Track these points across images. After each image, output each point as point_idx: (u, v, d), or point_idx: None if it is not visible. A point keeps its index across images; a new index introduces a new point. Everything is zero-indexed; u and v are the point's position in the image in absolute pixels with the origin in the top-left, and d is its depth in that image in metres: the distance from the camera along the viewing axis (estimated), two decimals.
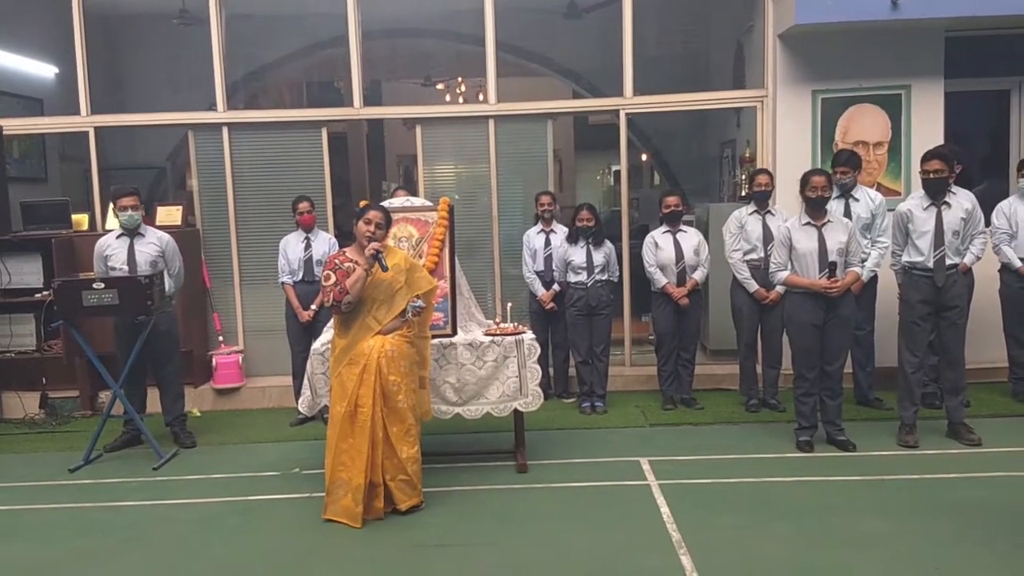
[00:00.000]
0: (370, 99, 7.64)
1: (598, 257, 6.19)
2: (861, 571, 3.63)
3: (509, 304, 5.48)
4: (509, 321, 5.13)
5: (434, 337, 4.74)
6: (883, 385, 5.98)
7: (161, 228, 6.02)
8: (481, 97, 7.51)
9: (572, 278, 6.23)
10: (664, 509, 4.33)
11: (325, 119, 7.23)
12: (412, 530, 4.20)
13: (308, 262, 6.29)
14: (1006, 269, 6.06)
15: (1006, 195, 6.32)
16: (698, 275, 6.15)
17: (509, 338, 4.92)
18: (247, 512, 4.57)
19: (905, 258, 5.27)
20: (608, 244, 6.32)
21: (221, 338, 7.10)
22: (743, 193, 6.90)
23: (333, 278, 4.25)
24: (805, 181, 5.14)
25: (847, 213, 5.73)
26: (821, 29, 6.23)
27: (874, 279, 5.87)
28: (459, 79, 11.16)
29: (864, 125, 6.56)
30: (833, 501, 4.40)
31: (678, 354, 6.28)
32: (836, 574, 3.62)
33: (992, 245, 5.98)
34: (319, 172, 7.08)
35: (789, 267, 5.18)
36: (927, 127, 6.47)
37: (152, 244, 5.65)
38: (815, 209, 5.12)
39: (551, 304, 6.44)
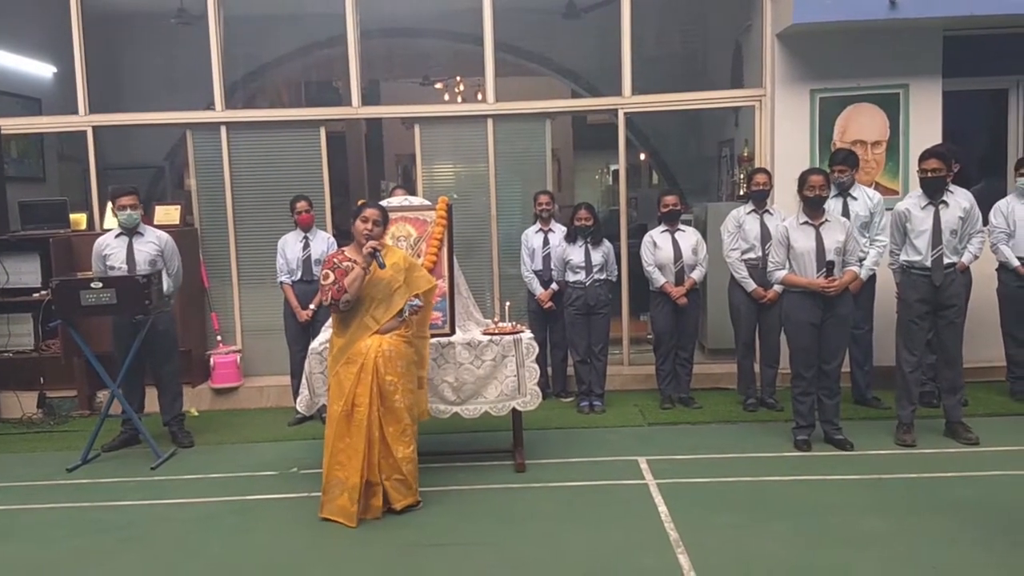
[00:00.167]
0: (368, 98, 7.64)
1: (596, 256, 6.19)
2: (859, 570, 3.63)
3: (507, 303, 5.48)
4: (507, 320, 5.13)
5: (432, 336, 4.74)
6: (881, 384, 5.98)
7: (159, 227, 6.02)
8: (479, 96, 7.51)
9: (570, 277, 6.23)
10: (662, 508, 4.34)
11: (323, 118, 7.23)
12: (410, 529, 4.20)
13: (307, 261, 6.29)
14: (1004, 268, 6.06)
15: (1004, 194, 6.32)
16: (696, 274, 6.16)
17: (507, 337, 4.92)
18: (245, 512, 4.57)
19: (903, 257, 5.28)
20: (606, 243, 6.32)
21: (219, 338, 7.10)
22: (741, 192, 6.91)
23: (332, 277, 4.26)
24: (803, 180, 5.15)
25: (845, 212, 5.73)
26: (819, 28, 6.23)
27: (872, 278, 5.88)
28: (457, 78, 11.15)
29: (862, 124, 6.57)
30: (831, 500, 4.40)
31: (676, 353, 6.28)
32: (834, 573, 3.63)
33: (990, 244, 5.99)
34: (317, 171, 7.08)
35: (787, 266, 5.18)
36: (925, 126, 6.48)
37: (151, 243, 5.65)
38: (813, 208, 5.13)
39: (549, 303, 6.44)
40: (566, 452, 5.32)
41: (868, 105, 6.56)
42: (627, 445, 5.43)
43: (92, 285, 5.27)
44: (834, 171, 5.77)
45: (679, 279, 6.12)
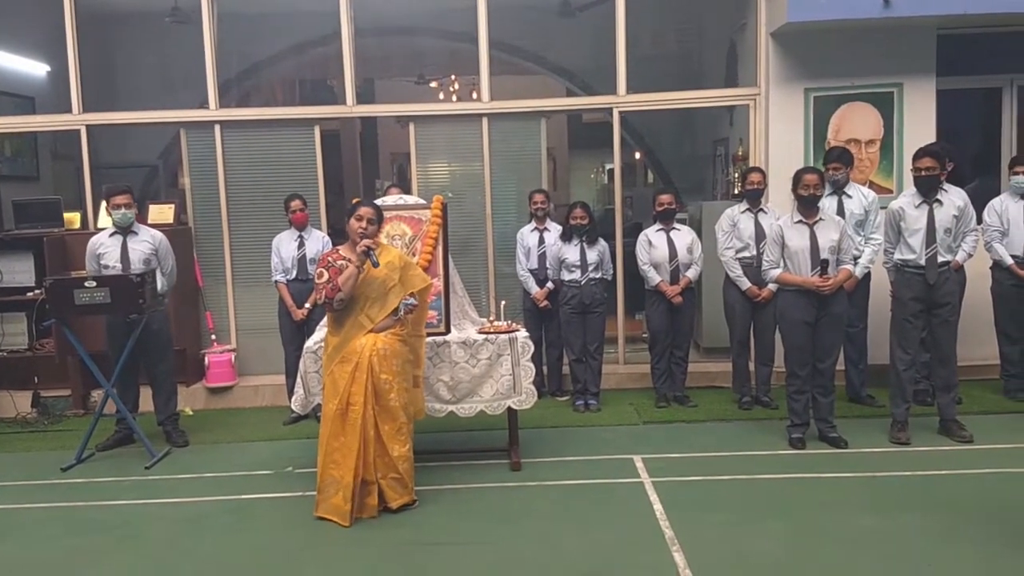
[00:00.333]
0: (363, 97, 7.64)
1: (592, 255, 6.19)
2: (853, 567, 3.64)
3: (503, 302, 5.48)
4: (503, 319, 5.13)
5: (428, 335, 4.74)
6: (875, 382, 5.99)
7: (153, 226, 6.01)
8: (475, 95, 7.50)
9: (566, 276, 6.23)
10: (657, 506, 4.34)
11: (318, 117, 7.22)
12: (405, 528, 4.20)
13: (301, 260, 6.28)
14: (998, 266, 6.08)
15: (998, 193, 6.33)
16: (691, 273, 6.16)
17: (503, 336, 4.92)
18: (240, 511, 4.56)
19: (897, 256, 5.29)
20: (602, 242, 6.32)
21: (214, 337, 7.09)
22: (736, 191, 6.92)
23: (326, 276, 4.25)
24: (797, 179, 5.16)
25: (840, 210, 5.74)
26: (814, 27, 6.24)
27: (867, 277, 5.88)
28: (452, 77, 11.16)
29: (856, 123, 6.58)
30: (825, 498, 4.42)
31: (671, 352, 6.29)
32: (829, 571, 3.63)
33: (984, 242, 6.01)
34: (312, 170, 7.06)
35: (781, 265, 5.19)
36: (919, 125, 6.49)
37: (145, 242, 5.64)
38: (807, 207, 5.13)
39: (545, 302, 6.44)
40: (562, 451, 5.32)
41: (862, 104, 6.57)
42: (622, 444, 5.44)
43: (86, 284, 5.26)
44: (829, 168, 5.78)
45: (674, 278, 6.12)
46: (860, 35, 6.38)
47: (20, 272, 6.65)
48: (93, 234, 5.89)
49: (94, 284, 5.25)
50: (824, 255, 5.03)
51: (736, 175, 7.02)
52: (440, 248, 4.98)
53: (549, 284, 6.44)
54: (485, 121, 7.01)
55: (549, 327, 6.56)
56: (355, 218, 4.31)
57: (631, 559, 3.78)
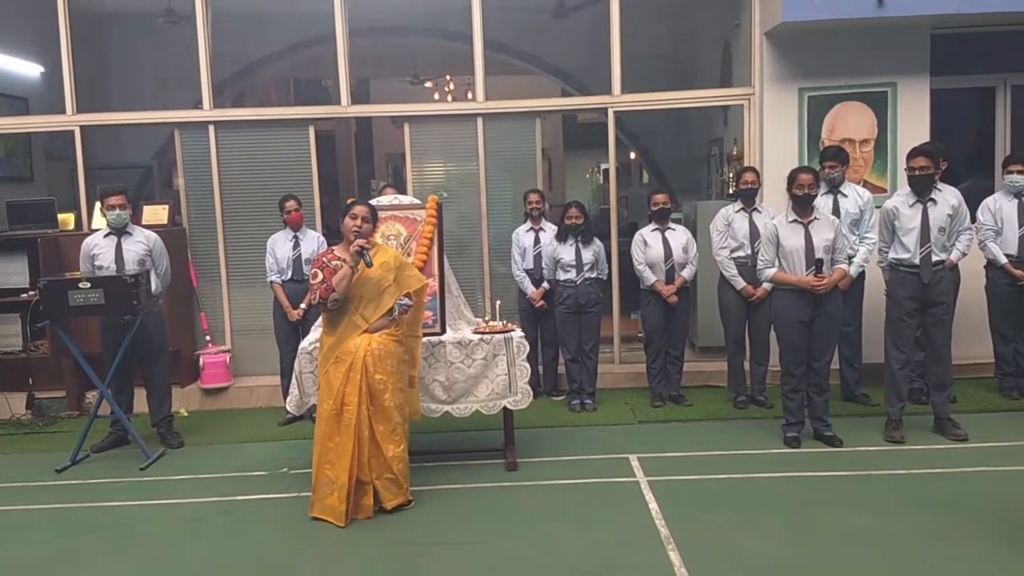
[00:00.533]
0: (358, 97, 7.63)
1: (587, 255, 6.20)
2: (848, 566, 3.64)
3: (498, 302, 5.48)
4: (498, 319, 5.13)
5: (424, 335, 4.73)
6: (870, 381, 6.00)
7: (147, 227, 5.99)
8: (469, 95, 7.50)
9: (561, 276, 6.23)
10: (653, 505, 4.35)
11: (312, 117, 7.21)
12: (401, 528, 4.20)
13: (297, 261, 6.27)
14: (992, 265, 6.09)
15: (991, 192, 6.36)
16: (686, 273, 6.17)
17: (498, 336, 4.92)
18: (234, 512, 4.55)
19: (891, 255, 5.30)
20: (597, 242, 6.33)
21: (208, 337, 7.07)
22: (730, 191, 6.92)
23: (321, 276, 4.25)
24: (792, 179, 5.16)
25: (835, 209, 5.75)
26: (808, 27, 6.25)
27: (861, 276, 5.89)
28: (447, 77, 11.17)
29: (850, 123, 6.60)
30: (820, 496, 4.42)
31: (667, 351, 6.29)
32: (823, 569, 3.64)
33: (978, 241, 6.02)
34: (306, 170, 7.06)
35: (776, 264, 5.20)
36: (913, 124, 6.50)
37: (140, 243, 5.63)
38: (802, 206, 5.14)
39: (541, 302, 6.45)
40: (557, 450, 5.32)
41: (856, 103, 6.58)
42: (618, 443, 5.44)
43: (80, 285, 5.24)
44: (825, 167, 5.79)
45: (669, 278, 6.12)
46: (854, 35, 6.39)
47: (14, 273, 6.64)
48: (87, 235, 5.87)
49: (88, 285, 5.24)
50: (819, 254, 5.04)
51: (731, 175, 7.03)
52: (435, 248, 4.98)
53: (545, 284, 6.44)
54: (480, 121, 7.01)
55: (545, 327, 6.56)
56: (350, 217, 4.31)
57: (627, 558, 3.79)
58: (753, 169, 6.23)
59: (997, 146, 7.03)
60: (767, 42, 6.59)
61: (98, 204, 5.97)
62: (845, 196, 5.83)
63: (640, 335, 6.73)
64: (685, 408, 6.18)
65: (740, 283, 5.99)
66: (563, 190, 13.07)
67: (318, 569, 3.85)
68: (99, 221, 6.12)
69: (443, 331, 4.94)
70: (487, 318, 5.16)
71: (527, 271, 6.53)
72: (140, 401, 5.89)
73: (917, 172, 5.12)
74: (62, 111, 7.06)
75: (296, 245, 6.30)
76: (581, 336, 6.23)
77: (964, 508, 4.17)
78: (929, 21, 6.33)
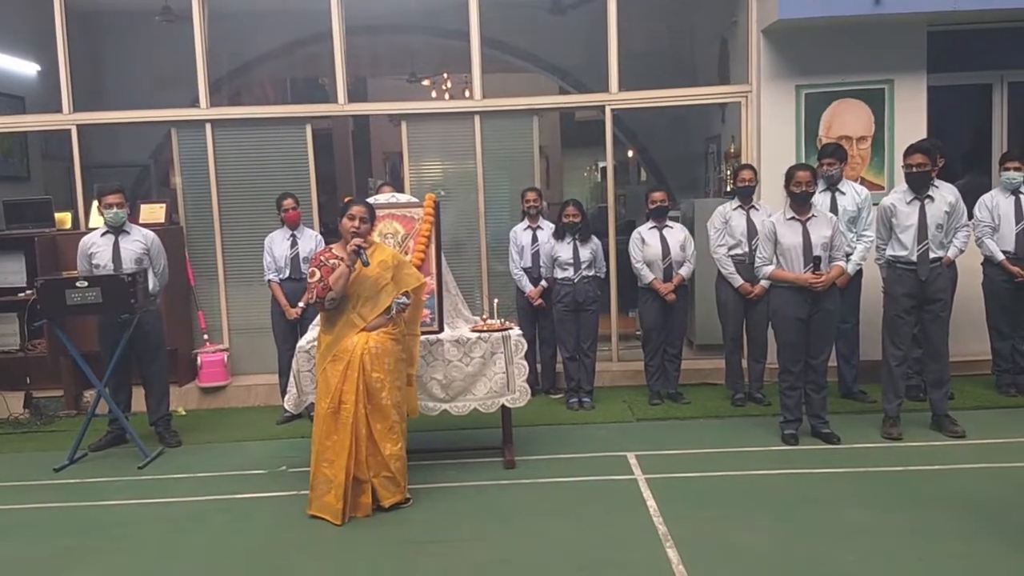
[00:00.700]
0: (355, 95, 7.62)
1: (585, 253, 6.20)
2: (845, 562, 3.65)
3: (496, 300, 5.48)
4: (496, 317, 5.13)
5: (422, 334, 4.73)
6: (867, 378, 6.01)
7: (145, 226, 5.98)
8: (467, 93, 7.51)
9: (559, 274, 6.23)
10: (651, 503, 4.35)
11: (310, 115, 7.20)
12: (399, 526, 4.20)
13: (294, 259, 6.27)
14: (989, 262, 6.09)
15: (988, 188, 6.36)
16: (684, 271, 6.17)
17: (496, 334, 4.92)
18: (233, 510, 4.55)
19: (889, 252, 5.30)
20: (595, 240, 6.33)
21: (206, 336, 7.07)
22: (728, 188, 6.92)
23: (318, 275, 4.25)
24: (790, 176, 5.17)
25: (833, 207, 5.75)
26: (804, 24, 6.25)
27: (859, 273, 5.90)
28: (444, 75, 11.14)
29: (847, 120, 6.60)
30: (818, 493, 4.43)
31: (664, 349, 6.30)
32: (821, 566, 3.64)
33: (975, 238, 6.03)
34: (304, 169, 7.05)
35: (774, 261, 5.20)
36: (910, 121, 6.50)
37: (137, 242, 5.62)
38: (799, 204, 5.14)
39: (539, 300, 6.45)
40: (555, 448, 5.32)
41: (853, 101, 6.59)
42: (616, 441, 5.45)
43: (77, 284, 5.23)
44: (823, 164, 5.80)
45: (667, 275, 6.12)
46: (851, 32, 6.39)
47: (11, 272, 6.62)
48: (84, 234, 5.86)
49: (86, 284, 5.23)
50: (817, 252, 5.04)
51: (728, 172, 7.03)
52: (433, 246, 4.98)
53: (543, 282, 6.44)
54: (477, 119, 7.00)
55: (542, 325, 6.57)
56: (347, 217, 4.30)
57: (625, 556, 3.79)
58: (751, 166, 6.23)
59: (994, 143, 7.04)
60: (764, 39, 6.59)
61: (95, 203, 5.97)
62: (843, 193, 5.84)
63: (638, 333, 6.74)
64: (683, 406, 6.19)
65: (738, 281, 5.99)
66: (561, 188, 13.07)
67: (316, 567, 3.85)
68: (96, 220, 6.12)
69: (441, 329, 4.94)
70: (485, 316, 5.16)
71: (525, 269, 6.53)
72: (138, 400, 5.89)
73: (914, 169, 5.12)
74: (59, 110, 7.04)
75: (294, 244, 6.30)
76: (579, 334, 6.24)
77: (961, 505, 4.17)
78: (926, 18, 6.33)
